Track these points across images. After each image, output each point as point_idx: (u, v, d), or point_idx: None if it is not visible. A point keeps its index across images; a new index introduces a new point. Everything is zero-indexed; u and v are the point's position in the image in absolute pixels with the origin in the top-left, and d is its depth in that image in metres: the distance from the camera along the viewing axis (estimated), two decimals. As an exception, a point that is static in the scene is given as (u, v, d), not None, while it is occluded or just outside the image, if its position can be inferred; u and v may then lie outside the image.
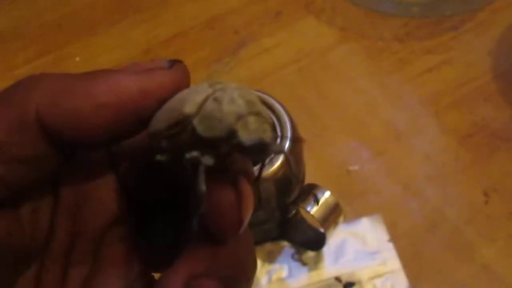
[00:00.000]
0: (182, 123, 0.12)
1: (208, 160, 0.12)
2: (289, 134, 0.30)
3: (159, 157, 0.13)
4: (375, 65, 0.46)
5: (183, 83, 0.15)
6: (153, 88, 0.14)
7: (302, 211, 0.35)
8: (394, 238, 0.36)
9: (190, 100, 0.13)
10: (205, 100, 0.12)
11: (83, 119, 0.14)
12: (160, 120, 0.13)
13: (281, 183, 0.30)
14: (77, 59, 0.48)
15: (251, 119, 0.12)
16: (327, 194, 0.30)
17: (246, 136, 0.12)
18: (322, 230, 0.33)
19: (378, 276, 0.34)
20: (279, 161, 0.29)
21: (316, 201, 0.29)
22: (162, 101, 0.14)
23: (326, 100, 0.44)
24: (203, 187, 0.12)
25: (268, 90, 0.32)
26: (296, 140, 0.30)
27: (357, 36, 0.48)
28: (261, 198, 0.26)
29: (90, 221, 0.16)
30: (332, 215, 0.30)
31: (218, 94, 0.12)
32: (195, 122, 0.12)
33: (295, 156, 0.31)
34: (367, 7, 0.49)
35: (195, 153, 0.12)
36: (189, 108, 0.12)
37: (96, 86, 0.14)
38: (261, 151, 0.12)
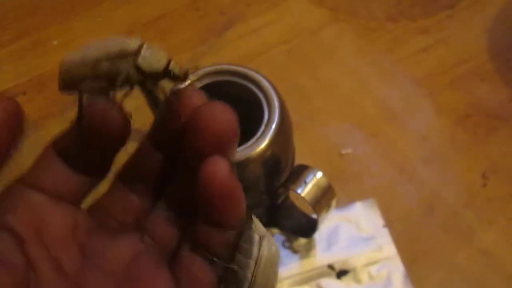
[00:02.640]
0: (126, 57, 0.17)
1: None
2: (277, 111, 0.28)
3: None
4: (367, 45, 0.44)
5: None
6: None
7: (292, 196, 0.33)
8: (389, 223, 0.34)
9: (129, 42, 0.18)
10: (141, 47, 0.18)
11: None
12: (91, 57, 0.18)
13: (269, 165, 0.28)
14: (55, 42, 0.46)
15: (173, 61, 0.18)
16: (319, 174, 0.28)
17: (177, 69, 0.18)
18: (313, 216, 0.31)
19: (373, 262, 0.32)
20: (266, 140, 0.27)
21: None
22: None
23: (317, 81, 0.42)
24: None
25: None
26: (285, 117, 0.28)
27: (348, 15, 0.46)
28: None
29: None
30: (325, 197, 0.28)
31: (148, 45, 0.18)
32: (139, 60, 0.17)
33: (283, 136, 0.29)
34: (359, -14, 0.47)
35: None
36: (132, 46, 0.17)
37: None
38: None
